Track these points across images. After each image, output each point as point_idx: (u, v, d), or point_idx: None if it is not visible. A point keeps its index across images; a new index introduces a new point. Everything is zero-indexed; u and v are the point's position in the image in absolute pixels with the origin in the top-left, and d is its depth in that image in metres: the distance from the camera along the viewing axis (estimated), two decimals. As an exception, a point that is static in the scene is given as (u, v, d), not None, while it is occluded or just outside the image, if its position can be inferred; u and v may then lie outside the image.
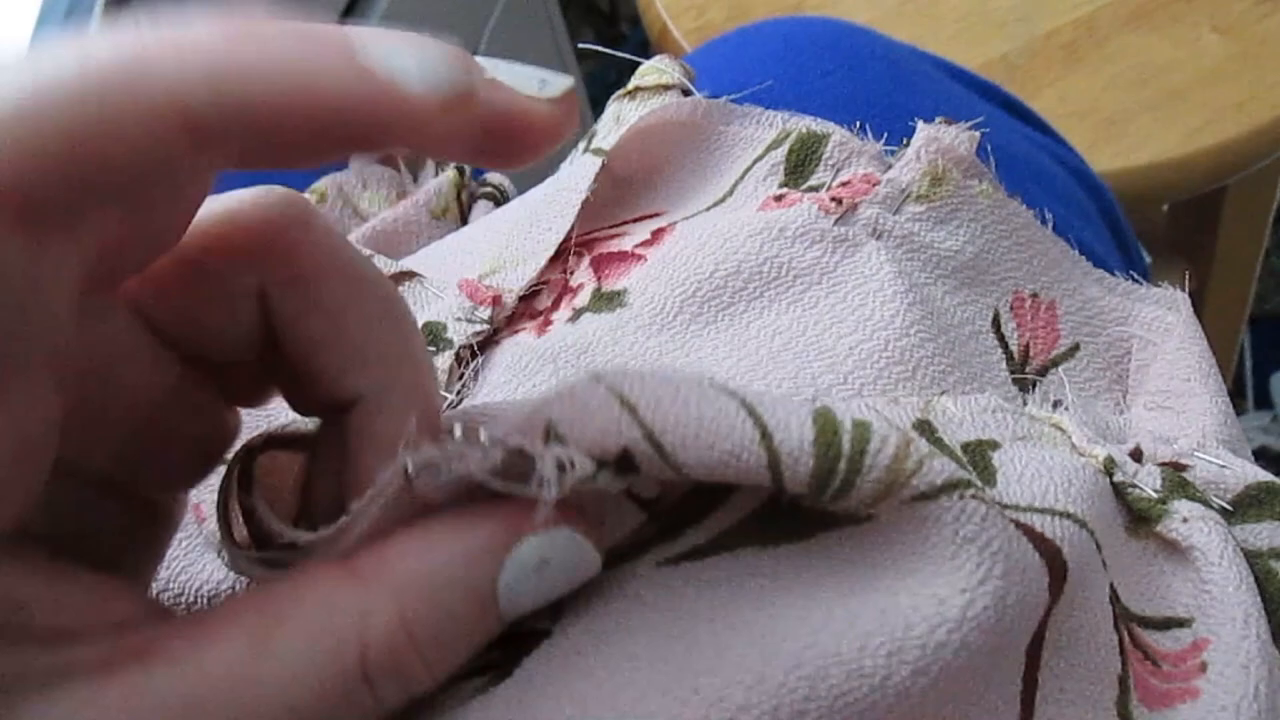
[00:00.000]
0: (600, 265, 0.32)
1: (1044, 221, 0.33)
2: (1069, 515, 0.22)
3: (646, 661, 0.19)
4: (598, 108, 0.39)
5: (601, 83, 1.49)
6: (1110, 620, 0.23)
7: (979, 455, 0.23)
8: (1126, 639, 0.24)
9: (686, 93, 0.37)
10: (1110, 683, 0.23)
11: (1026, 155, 0.40)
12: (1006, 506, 0.21)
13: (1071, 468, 0.23)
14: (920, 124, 0.33)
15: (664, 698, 0.18)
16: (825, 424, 0.19)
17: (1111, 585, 0.24)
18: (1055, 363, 0.31)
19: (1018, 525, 0.21)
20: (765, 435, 0.19)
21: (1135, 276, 0.33)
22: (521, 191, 0.46)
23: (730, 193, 0.34)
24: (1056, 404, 0.28)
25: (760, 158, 0.34)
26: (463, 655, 0.19)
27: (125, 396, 0.20)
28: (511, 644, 0.20)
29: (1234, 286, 0.90)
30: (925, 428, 0.25)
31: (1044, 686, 0.22)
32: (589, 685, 0.19)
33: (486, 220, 0.40)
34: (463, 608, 0.18)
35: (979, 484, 0.20)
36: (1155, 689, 0.24)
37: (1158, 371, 0.30)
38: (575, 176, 0.34)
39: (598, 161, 0.34)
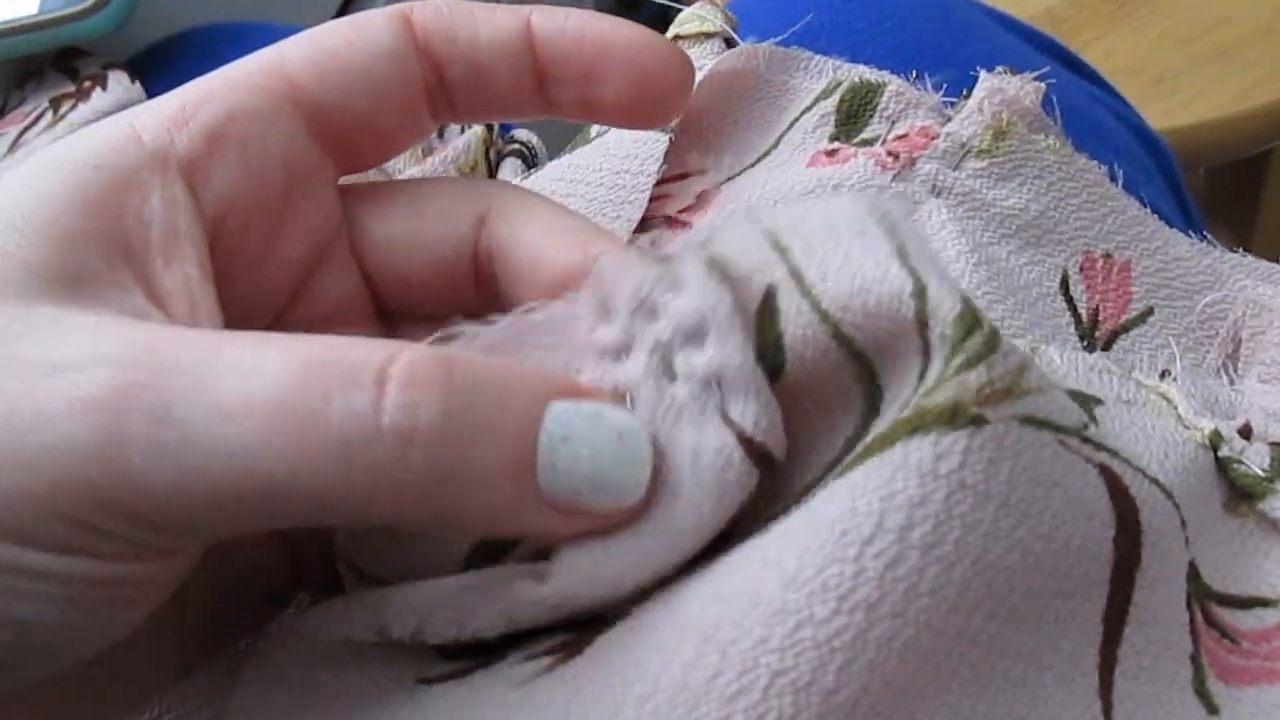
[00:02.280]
0: (643, 231, 0.31)
1: (1113, 178, 0.31)
2: (1158, 483, 0.21)
3: (723, 637, 0.17)
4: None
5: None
6: (1184, 600, 0.22)
7: (1082, 405, 0.21)
8: (1199, 618, 0.23)
9: (729, 41, 0.35)
10: (1184, 661, 0.22)
11: (1085, 110, 0.38)
12: (1099, 447, 0.20)
13: (1172, 440, 0.22)
14: (983, 73, 0.31)
15: (742, 679, 0.17)
16: (969, 304, 0.18)
17: (1192, 563, 0.23)
18: (1125, 328, 0.29)
19: (1101, 468, 0.19)
20: (915, 276, 0.18)
21: (1211, 240, 0.31)
22: (549, 146, 0.44)
23: (775, 145, 0.32)
24: (1164, 374, 0.26)
25: (808, 108, 0.32)
26: (489, 518, 0.18)
27: None
28: (586, 627, 0.19)
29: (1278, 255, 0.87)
30: None
31: (1123, 662, 0.21)
32: (660, 660, 0.18)
33: (537, 186, 0.37)
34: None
35: (1089, 427, 0.19)
36: (1234, 666, 0.23)
37: (1271, 341, 0.28)
38: (639, 156, 0.32)
39: (664, 140, 0.32)
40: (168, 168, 0.20)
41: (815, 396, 0.21)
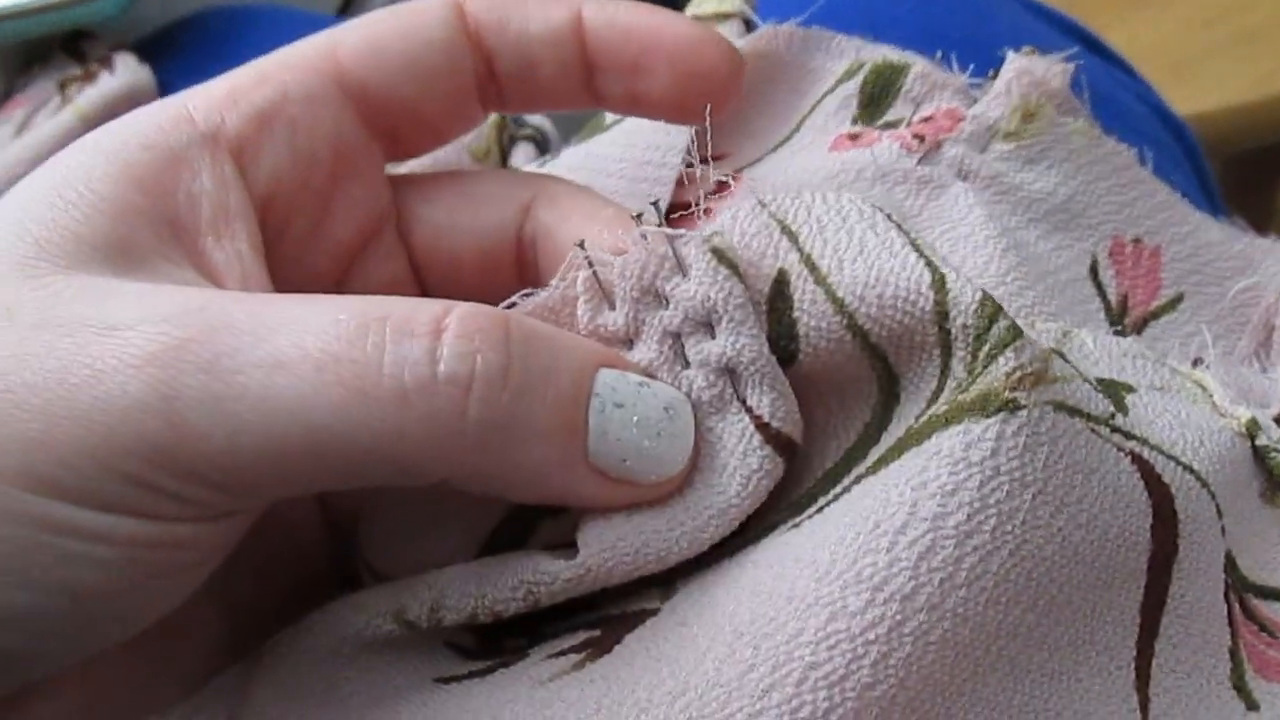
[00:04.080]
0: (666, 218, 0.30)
1: (1143, 162, 0.30)
2: (1192, 471, 0.20)
3: (756, 631, 0.17)
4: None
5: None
6: (1221, 591, 0.22)
7: (1113, 394, 0.21)
8: (1237, 610, 0.22)
9: (748, 22, 0.34)
10: (1222, 655, 0.21)
11: (1112, 94, 0.37)
12: (1129, 436, 0.19)
13: (1207, 428, 0.21)
14: (1010, 54, 0.30)
15: (774, 673, 0.16)
16: (988, 295, 0.18)
17: (1229, 554, 0.22)
18: (1155, 315, 0.28)
19: (1133, 457, 0.19)
20: (931, 268, 0.18)
21: (1242, 225, 0.30)
22: (562, 130, 0.43)
23: (797, 128, 0.32)
24: (1197, 361, 0.26)
25: (830, 90, 0.32)
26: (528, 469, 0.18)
27: None
28: (616, 624, 0.19)
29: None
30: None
31: (1161, 655, 0.20)
32: (692, 656, 0.17)
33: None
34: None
35: (1117, 415, 0.19)
36: (1272, 660, 0.22)
37: None
38: (661, 148, 0.31)
39: (686, 131, 0.31)
40: (218, 146, 0.21)
41: (829, 382, 0.20)
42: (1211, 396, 0.23)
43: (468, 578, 0.20)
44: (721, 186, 0.30)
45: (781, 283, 0.19)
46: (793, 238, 0.19)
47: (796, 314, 0.19)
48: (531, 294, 0.20)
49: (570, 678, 0.18)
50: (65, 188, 0.19)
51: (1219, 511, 0.21)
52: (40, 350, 0.17)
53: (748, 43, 0.32)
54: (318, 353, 0.17)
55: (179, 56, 0.52)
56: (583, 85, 0.24)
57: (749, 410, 0.19)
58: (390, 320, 0.17)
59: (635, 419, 0.18)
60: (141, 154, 0.20)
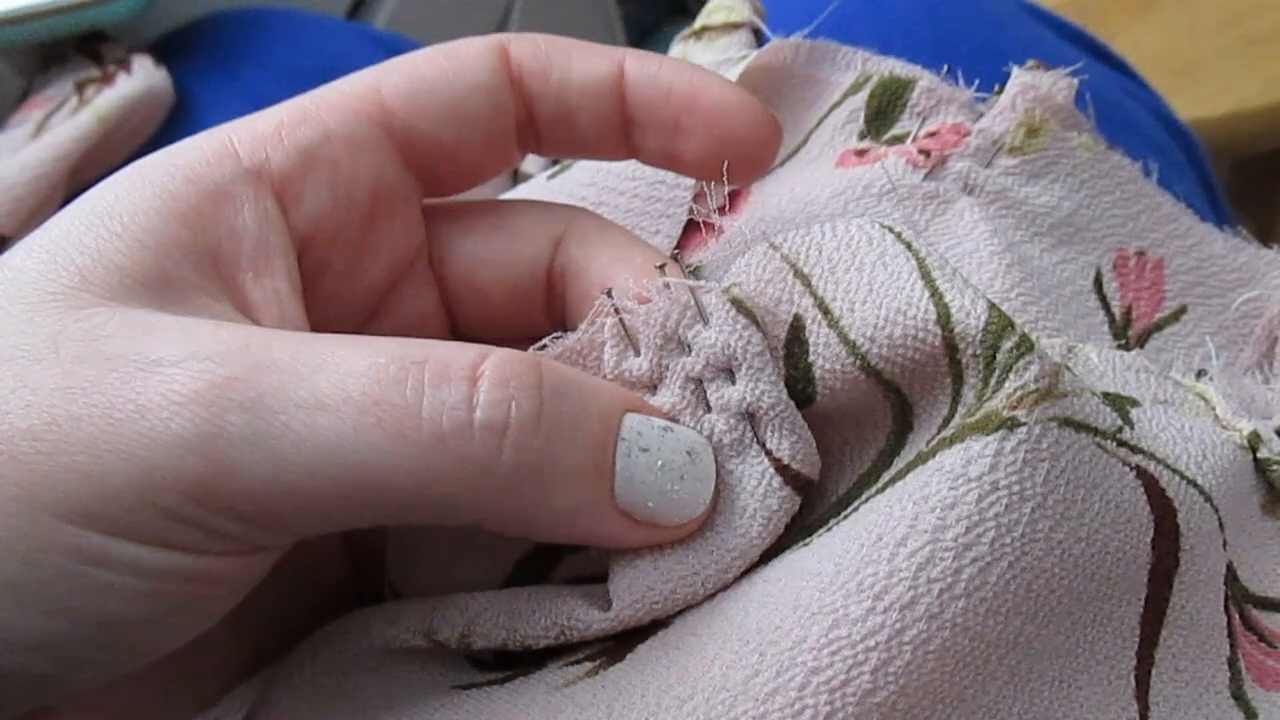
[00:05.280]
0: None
1: (1147, 174, 0.30)
2: (1196, 485, 0.21)
3: (763, 639, 0.18)
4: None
5: (639, 28, 1.45)
6: (1221, 602, 0.22)
7: (1118, 408, 0.21)
8: (1236, 620, 0.23)
9: (757, 32, 0.35)
10: (1221, 664, 0.22)
11: (1118, 104, 0.37)
12: (1135, 449, 0.20)
13: (1210, 441, 0.22)
14: (1015, 69, 0.30)
15: (778, 678, 0.17)
16: (996, 312, 0.19)
17: (1230, 565, 0.22)
18: (1159, 327, 0.29)
19: (1138, 471, 0.20)
20: (937, 299, 0.19)
21: (1246, 236, 0.30)
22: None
23: (804, 142, 0.32)
24: (1200, 373, 0.26)
25: (837, 104, 0.32)
26: (565, 518, 0.19)
27: None
28: (629, 637, 0.19)
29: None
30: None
31: (1161, 664, 0.20)
32: (700, 662, 0.18)
33: (562, 193, 0.36)
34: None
35: (1125, 429, 0.19)
36: (1271, 670, 0.22)
37: None
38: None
39: None
40: (261, 183, 0.21)
41: (845, 416, 0.21)
42: (1214, 409, 0.24)
43: (499, 609, 0.21)
44: (732, 199, 0.31)
45: (797, 328, 0.20)
46: (805, 281, 0.20)
47: (812, 358, 0.20)
48: (560, 337, 0.21)
49: (584, 684, 0.19)
50: (110, 219, 0.20)
51: (1221, 525, 0.22)
52: (85, 384, 0.17)
53: (757, 58, 0.33)
54: (359, 395, 0.17)
55: (194, 59, 0.52)
56: (620, 137, 0.24)
57: (769, 453, 0.20)
58: (429, 365, 0.18)
59: (659, 463, 0.19)
60: (185, 187, 0.20)
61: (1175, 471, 0.20)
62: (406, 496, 0.18)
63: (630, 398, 0.20)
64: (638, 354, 0.20)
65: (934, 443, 0.19)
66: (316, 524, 0.18)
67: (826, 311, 0.20)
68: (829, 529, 0.19)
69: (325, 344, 0.18)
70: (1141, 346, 0.28)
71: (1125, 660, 0.20)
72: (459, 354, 0.18)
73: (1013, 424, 0.18)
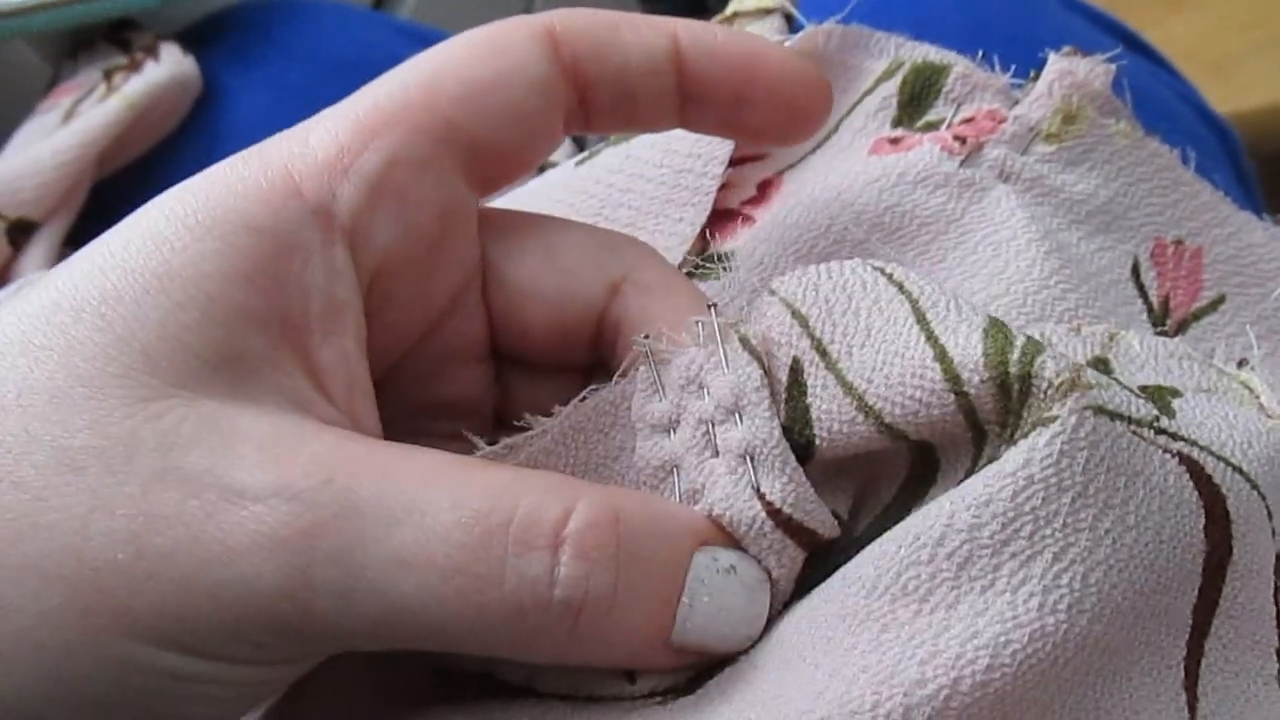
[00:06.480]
0: (708, 223, 0.30)
1: (1185, 162, 0.30)
2: (1242, 472, 0.20)
3: (815, 650, 0.18)
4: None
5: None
6: (1271, 592, 0.22)
7: (1158, 399, 0.21)
8: None
9: (789, 17, 0.34)
10: (1269, 655, 0.21)
11: (1153, 93, 0.37)
12: (1175, 437, 0.20)
13: (1255, 430, 0.21)
14: (1051, 55, 0.30)
15: (841, 709, 0.17)
16: (996, 334, 0.19)
17: (1279, 555, 0.22)
18: (1196, 316, 0.28)
19: (1181, 458, 0.19)
20: (934, 341, 0.19)
21: (1282, 225, 0.30)
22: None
23: (835, 129, 0.32)
24: (1242, 363, 0.26)
25: (869, 90, 0.32)
26: (620, 651, 0.19)
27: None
28: (699, 673, 0.20)
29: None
30: (1101, 365, 0.23)
31: (1210, 654, 0.20)
32: (768, 690, 0.18)
33: (590, 180, 0.36)
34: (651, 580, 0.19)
35: (1162, 418, 0.19)
36: None
37: None
38: (703, 157, 0.31)
39: (728, 145, 0.31)
40: (330, 227, 0.20)
41: (858, 458, 0.21)
42: (1259, 398, 0.23)
43: (560, 683, 0.21)
44: (764, 188, 0.31)
45: (796, 370, 0.20)
46: (803, 323, 0.20)
47: (810, 399, 0.20)
48: (598, 389, 0.21)
49: (653, 709, 0.19)
50: (169, 281, 0.19)
51: (1269, 514, 0.21)
52: (168, 512, 0.17)
53: (790, 45, 0.32)
54: (443, 559, 0.18)
55: (221, 47, 0.52)
56: (675, 111, 0.23)
57: (761, 497, 0.20)
58: (513, 529, 0.18)
59: (720, 610, 0.19)
60: (250, 240, 0.19)
61: (1221, 459, 0.20)
62: (469, 645, 0.19)
63: (699, 529, 0.20)
64: (664, 398, 0.21)
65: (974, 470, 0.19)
66: (380, 648, 0.19)
67: (824, 353, 0.20)
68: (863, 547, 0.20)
69: (406, 481, 0.18)
70: (1180, 335, 0.28)
71: (1176, 650, 0.20)
72: (544, 512, 0.18)
73: (1046, 420, 0.18)
